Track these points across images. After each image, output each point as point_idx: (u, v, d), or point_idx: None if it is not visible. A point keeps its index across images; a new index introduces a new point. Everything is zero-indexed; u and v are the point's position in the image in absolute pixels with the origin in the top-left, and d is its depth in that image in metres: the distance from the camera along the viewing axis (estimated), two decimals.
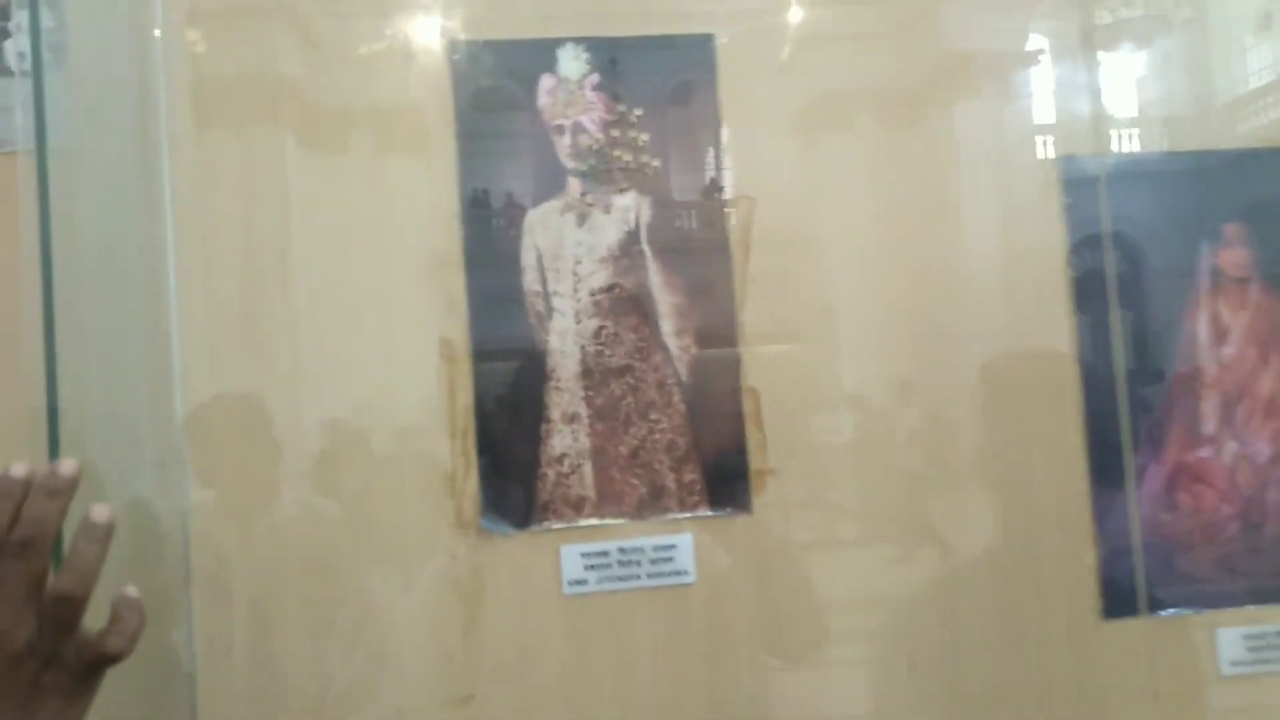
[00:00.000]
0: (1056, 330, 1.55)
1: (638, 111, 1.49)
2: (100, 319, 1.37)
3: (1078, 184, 1.54)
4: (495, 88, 1.49)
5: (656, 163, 1.50)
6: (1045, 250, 1.55)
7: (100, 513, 0.77)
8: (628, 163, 1.49)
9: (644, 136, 1.49)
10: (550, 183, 1.49)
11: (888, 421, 1.55)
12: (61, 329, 1.17)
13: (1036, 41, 1.58)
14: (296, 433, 1.42)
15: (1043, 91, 1.56)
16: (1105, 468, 1.53)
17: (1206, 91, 1.64)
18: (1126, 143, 1.58)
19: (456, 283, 1.45)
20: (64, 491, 0.75)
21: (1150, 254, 1.56)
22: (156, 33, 1.47)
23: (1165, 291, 1.57)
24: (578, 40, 1.49)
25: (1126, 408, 1.53)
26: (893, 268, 1.55)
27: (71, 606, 0.75)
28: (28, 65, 1.51)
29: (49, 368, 1.18)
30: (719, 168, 1.51)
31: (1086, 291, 1.53)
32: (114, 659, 0.77)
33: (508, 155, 1.48)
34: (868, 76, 1.56)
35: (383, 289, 1.45)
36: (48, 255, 1.24)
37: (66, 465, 0.76)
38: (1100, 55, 1.58)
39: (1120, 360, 1.53)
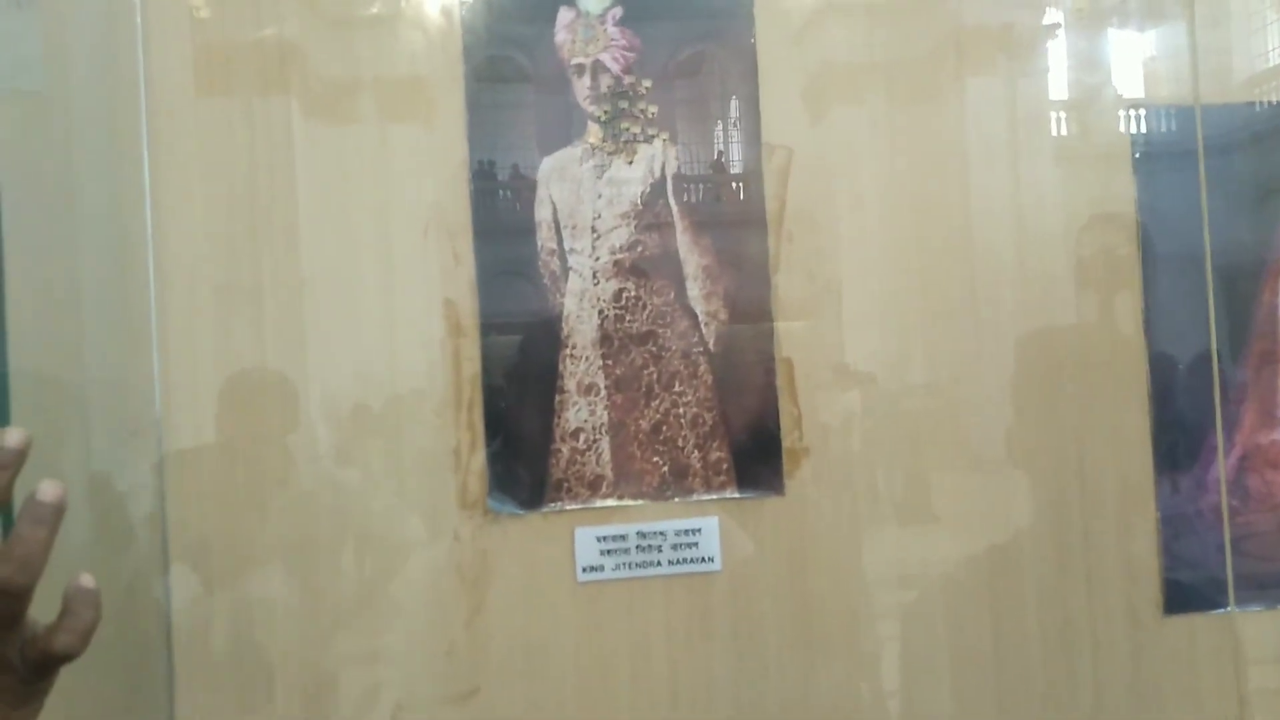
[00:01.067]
0: (1099, 305, 1.43)
1: (647, 83, 1.35)
2: (64, 281, 1.25)
3: (1149, 154, 1.41)
4: (509, 27, 1.34)
5: (665, 136, 1.36)
6: (1065, 226, 1.43)
7: (49, 490, 0.65)
8: (636, 134, 1.35)
9: (652, 108, 1.35)
10: (568, 129, 1.34)
11: (928, 398, 1.42)
12: (13, 286, 1.04)
13: (1052, 16, 1.46)
14: (290, 404, 1.30)
15: (1058, 67, 1.47)
16: (1170, 449, 1.40)
17: (1225, 68, 1.52)
18: (1138, 122, 1.48)
19: (464, 242, 1.32)
20: (9, 465, 0.63)
21: (1222, 228, 1.43)
22: None
23: (1239, 266, 1.43)
24: None
25: (1195, 387, 1.39)
26: (911, 243, 1.41)
27: (13, 598, 0.63)
28: None
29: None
30: (727, 142, 1.37)
31: (1149, 268, 1.40)
32: (64, 659, 0.66)
33: (522, 106, 1.34)
34: (880, 51, 1.43)
35: (388, 255, 1.32)
36: None
37: (12, 436, 0.64)
38: (1116, 30, 1.48)
39: (1190, 339, 1.39)
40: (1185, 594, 1.40)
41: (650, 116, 1.36)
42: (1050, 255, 1.43)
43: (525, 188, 1.33)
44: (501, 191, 1.34)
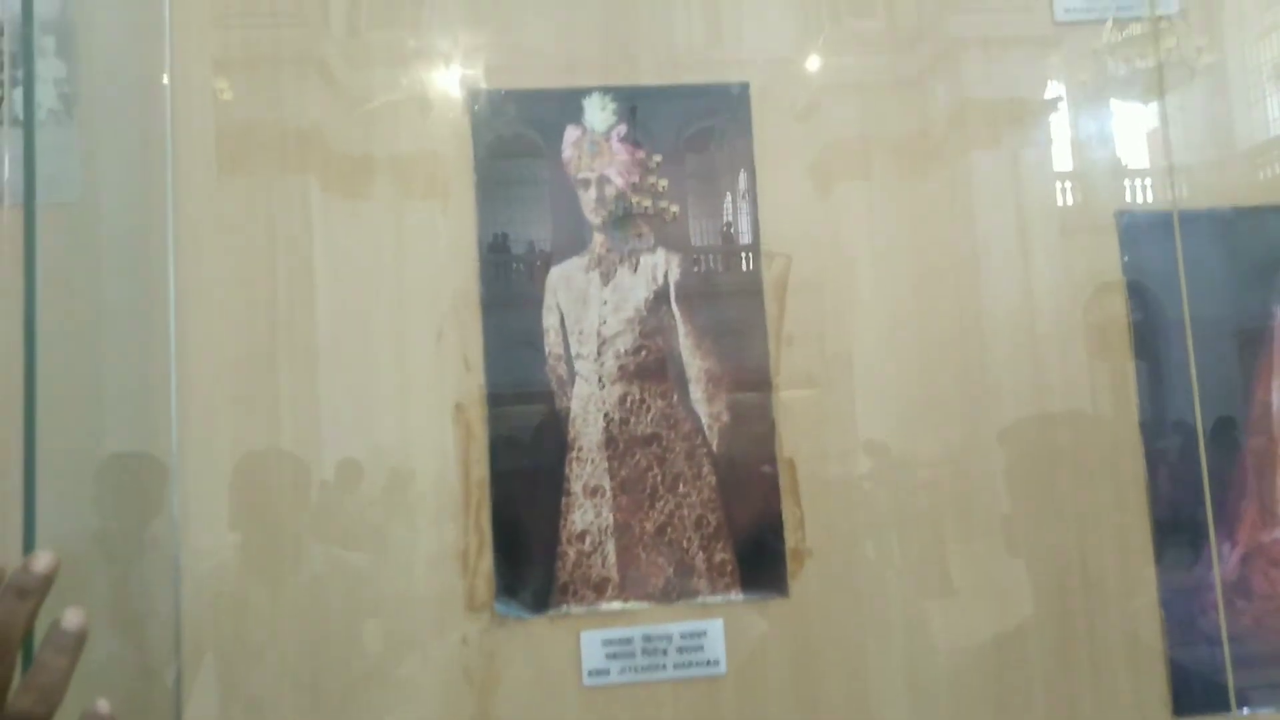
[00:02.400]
0: (1088, 384, 1.45)
1: (657, 157, 1.41)
2: (90, 358, 1.30)
3: (1134, 234, 1.45)
4: (517, 137, 1.41)
5: (675, 208, 1.41)
6: (1068, 298, 1.47)
7: (73, 619, 0.68)
8: (647, 207, 1.40)
9: (663, 182, 1.41)
10: (574, 238, 1.40)
11: (929, 492, 1.43)
12: (43, 371, 1.08)
13: (1054, 90, 1.53)
14: (300, 496, 1.33)
15: (1061, 139, 1.52)
16: (1171, 544, 1.41)
17: (1227, 139, 1.57)
18: (1143, 192, 1.52)
19: (474, 344, 1.36)
20: (36, 591, 0.66)
21: (1212, 309, 1.46)
22: (165, 80, 1.42)
23: (1231, 352, 1.46)
24: (604, 90, 1.41)
25: (1196, 475, 1.41)
26: (917, 318, 1.45)
27: None
28: (39, 114, 1.47)
29: (28, 437, 1.09)
30: (736, 213, 1.43)
31: (1141, 349, 1.43)
32: None
33: (528, 203, 1.40)
34: (886, 124, 1.49)
35: (399, 350, 1.37)
36: (31, 310, 1.18)
37: (41, 561, 0.67)
38: (1118, 104, 1.53)
39: (1196, 422, 1.41)
40: (1194, 694, 1.39)
41: (665, 203, 1.41)
42: (1056, 329, 1.45)
43: (540, 268, 1.38)
44: (514, 271, 1.38)
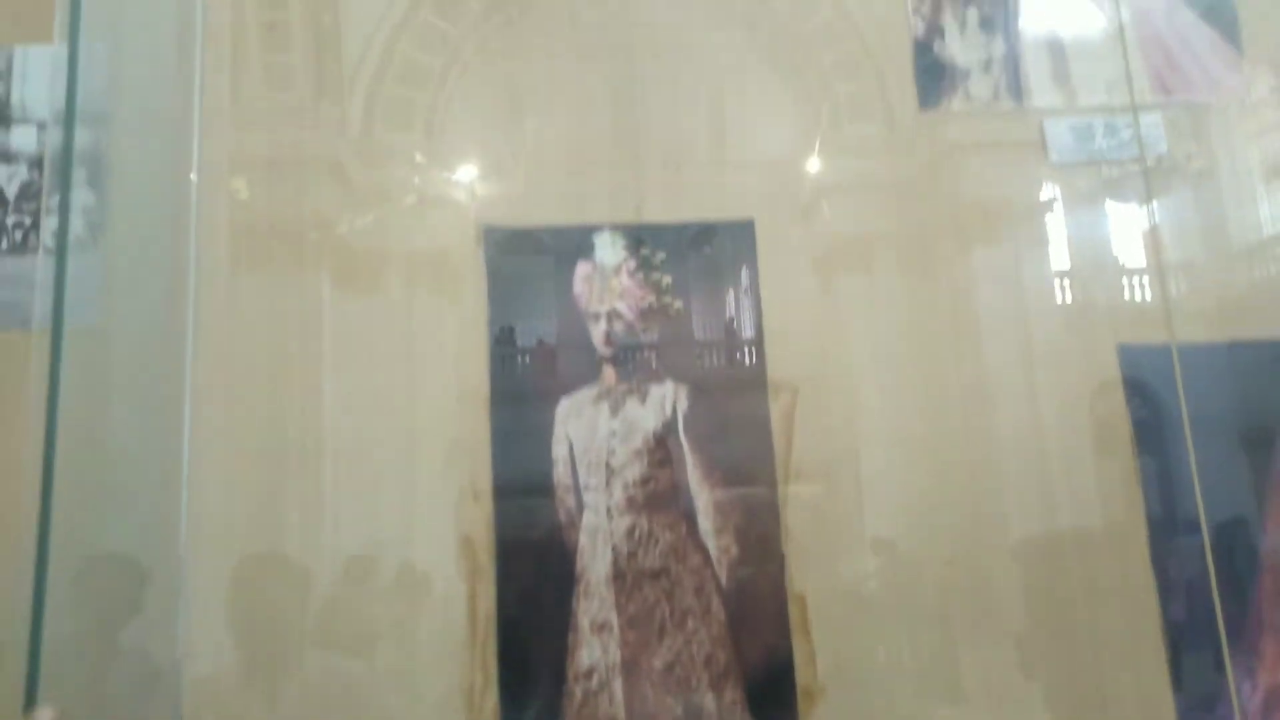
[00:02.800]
0: (1084, 484, 1.45)
1: (667, 279, 1.45)
2: (105, 468, 1.31)
3: (1138, 371, 1.47)
4: (529, 269, 1.45)
5: (679, 304, 1.45)
6: (1072, 395, 1.47)
7: (43, 716, 0.67)
8: (650, 303, 1.43)
9: (667, 279, 1.45)
10: (584, 370, 1.42)
11: (942, 627, 1.41)
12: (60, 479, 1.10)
13: (1049, 191, 1.57)
14: (302, 615, 1.31)
15: (1059, 238, 1.55)
16: (1192, 682, 1.37)
17: (1222, 238, 1.61)
18: (1141, 290, 1.55)
19: (483, 474, 1.37)
20: None
21: (1224, 436, 1.46)
22: (193, 176, 1.46)
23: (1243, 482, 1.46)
24: (615, 227, 1.46)
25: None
26: (913, 413, 1.46)
27: None
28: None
29: (41, 546, 1.09)
30: (739, 309, 1.46)
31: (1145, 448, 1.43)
32: None
33: (538, 338, 1.43)
34: (887, 223, 1.54)
35: (405, 472, 1.39)
36: (52, 431, 1.20)
37: (43, 716, 0.67)
38: (1114, 204, 1.57)
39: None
40: None
41: (669, 299, 1.44)
42: (1060, 425, 1.46)
43: (550, 404, 1.40)
44: (526, 411, 1.40)
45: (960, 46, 1.58)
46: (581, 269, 1.45)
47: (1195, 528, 1.40)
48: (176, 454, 1.34)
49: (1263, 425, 1.49)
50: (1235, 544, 1.43)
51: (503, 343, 1.41)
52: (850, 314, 1.51)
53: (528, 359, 1.42)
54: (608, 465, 1.39)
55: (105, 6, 1.46)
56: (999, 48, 1.59)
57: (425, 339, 1.43)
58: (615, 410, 1.41)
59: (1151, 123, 1.57)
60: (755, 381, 1.44)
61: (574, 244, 1.46)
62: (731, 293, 1.47)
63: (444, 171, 1.49)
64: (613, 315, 1.44)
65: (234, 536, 1.32)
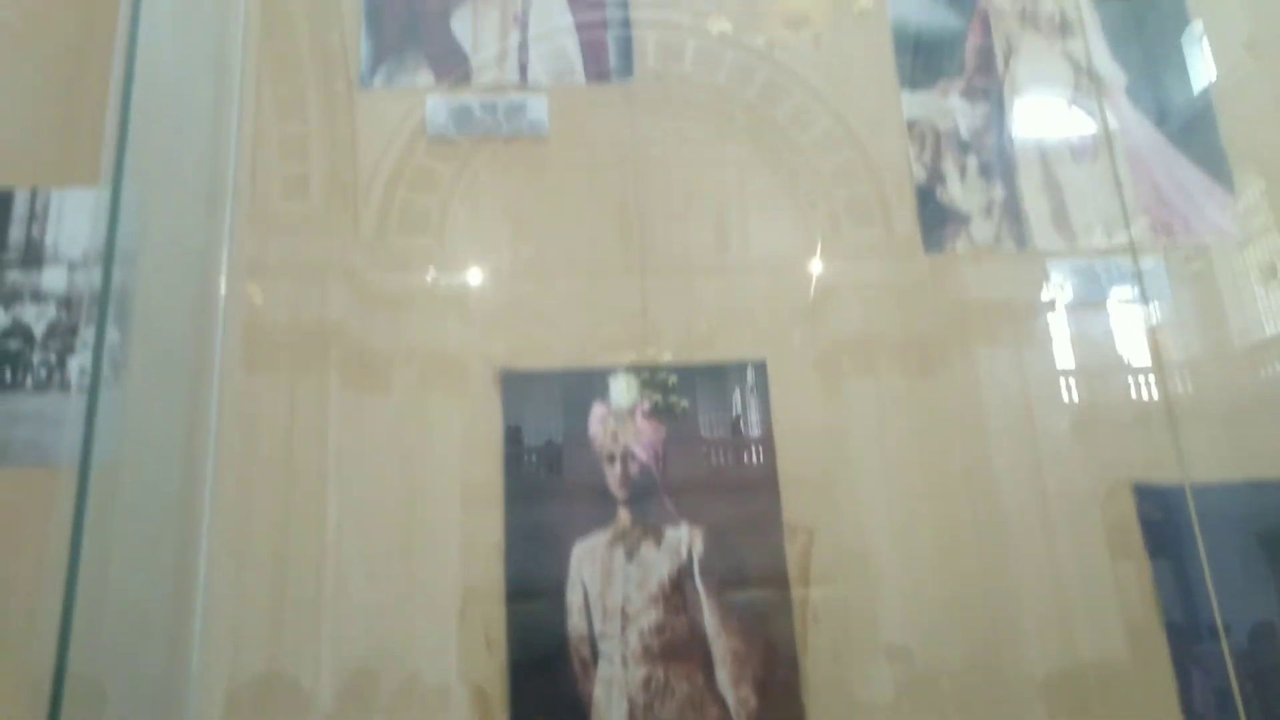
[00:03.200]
0: (1101, 589, 1.42)
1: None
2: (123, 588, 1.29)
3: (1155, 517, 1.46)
4: (544, 413, 1.47)
5: (685, 403, 1.46)
6: (1080, 495, 1.47)
7: None
8: (658, 401, 1.44)
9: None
10: (599, 514, 1.42)
11: (930, 706, 1.37)
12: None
13: (1049, 292, 1.60)
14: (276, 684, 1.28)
15: (1061, 338, 1.57)
16: None
17: (1224, 338, 1.62)
18: (1147, 388, 1.56)
19: (496, 623, 1.35)
20: None
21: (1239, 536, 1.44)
22: (221, 287, 1.49)
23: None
24: (631, 369, 1.49)
25: None
26: (925, 515, 1.46)
27: None
28: (87, 380, 1.54)
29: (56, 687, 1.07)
30: (745, 407, 1.47)
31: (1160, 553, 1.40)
32: None
33: (550, 495, 1.44)
34: (889, 324, 1.56)
35: (415, 628, 1.36)
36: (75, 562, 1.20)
37: None
38: (1116, 304, 1.59)
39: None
40: None
41: (676, 398, 1.44)
42: (1072, 527, 1.44)
43: (564, 554, 1.39)
44: (539, 549, 1.39)
45: (961, 192, 1.64)
46: (597, 410, 1.47)
47: (1216, 633, 1.37)
48: (193, 574, 1.33)
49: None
50: (1259, 649, 1.39)
51: (516, 477, 1.42)
52: (857, 416, 1.52)
53: (542, 500, 1.42)
54: (623, 612, 1.38)
55: (145, 149, 1.52)
56: (999, 193, 1.64)
57: (440, 473, 1.44)
58: (630, 555, 1.41)
59: (1153, 262, 1.62)
60: (771, 519, 1.43)
61: (589, 386, 1.48)
62: (738, 391, 1.49)
63: (453, 277, 1.52)
64: (627, 456, 1.45)
65: (240, 652, 1.31)
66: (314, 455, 1.43)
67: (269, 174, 1.59)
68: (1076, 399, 1.56)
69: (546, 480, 1.43)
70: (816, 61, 1.71)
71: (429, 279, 1.54)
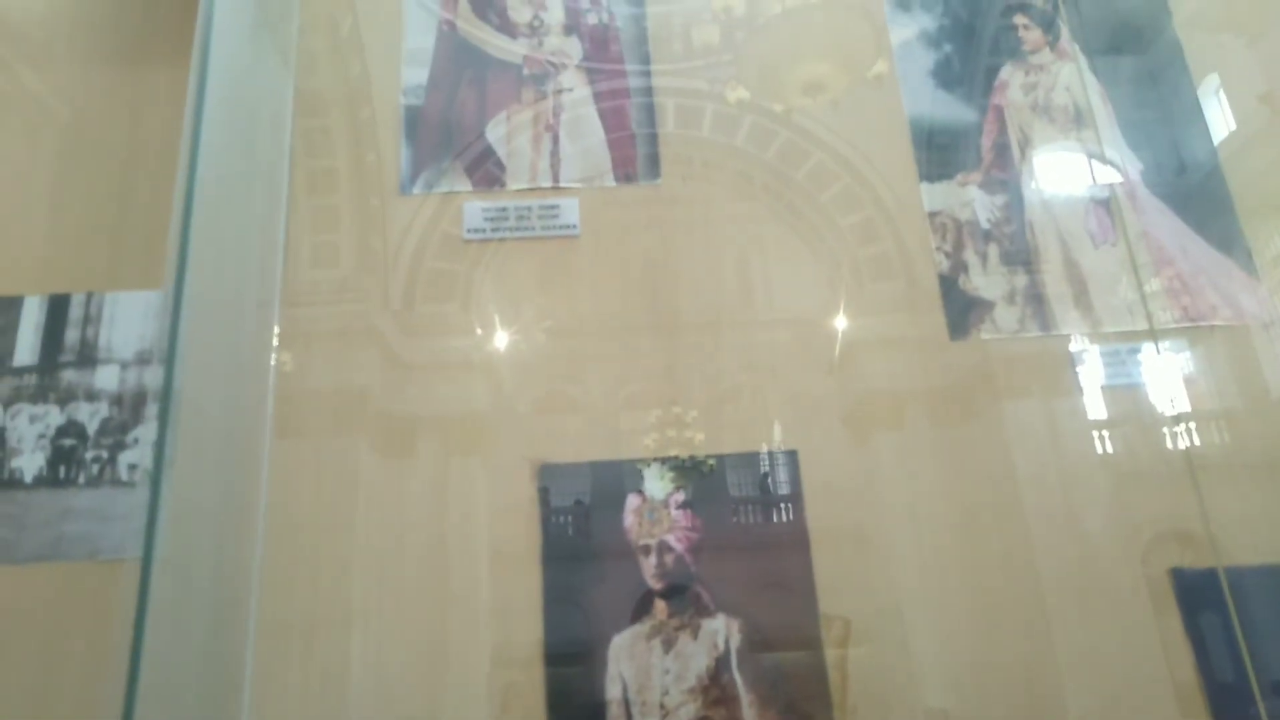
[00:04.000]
0: (1138, 644, 1.42)
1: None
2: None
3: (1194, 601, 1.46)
4: (580, 505, 1.50)
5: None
6: (1114, 552, 1.47)
7: None
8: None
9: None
10: (636, 607, 1.43)
11: None
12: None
13: (1078, 343, 1.62)
14: None
15: (1093, 388, 1.59)
16: None
17: (1259, 388, 1.63)
18: (1185, 438, 1.56)
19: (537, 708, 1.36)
20: None
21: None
22: (272, 362, 1.53)
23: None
24: (663, 460, 1.52)
25: None
26: (959, 571, 1.46)
27: None
28: (138, 476, 1.59)
29: None
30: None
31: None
32: None
33: (588, 586, 1.46)
34: (916, 379, 1.59)
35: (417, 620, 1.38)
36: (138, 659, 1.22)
37: None
38: (1147, 357, 1.61)
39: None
40: None
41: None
42: (1114, 575, 1.44)
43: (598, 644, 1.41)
44: (577, 631, 1.40)
45: (984, 280, 1.68)
46: (631, 501, 1.49)
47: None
48: (240, 659, 1.35)
49: None
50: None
51: (554, 570, 1.44)
52: (886, 470, 1.54)
53: (581, 598, 1.44)
54: (661, 706, 1.38)
55: (202, 256, 1.60)
56: (1021, 280, 1.68)
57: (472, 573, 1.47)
58: (668, 647, 1.41)
59: (1177, 346, 1.64)
60: (808, 612, 1.44)
61: (622, 479, 1.51)
62: (765, 448, 1.51)
63: (480, 343, 1.57)
64: (663, 548, 1.47)
65: None
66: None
67: (299, 244, 1.66)
68: (1111, 450, 1.57)
69: (583, 569, 1.45)
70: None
71: (454, 345, 1.59)
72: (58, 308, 1.63)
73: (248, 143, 1.66)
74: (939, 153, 1.75)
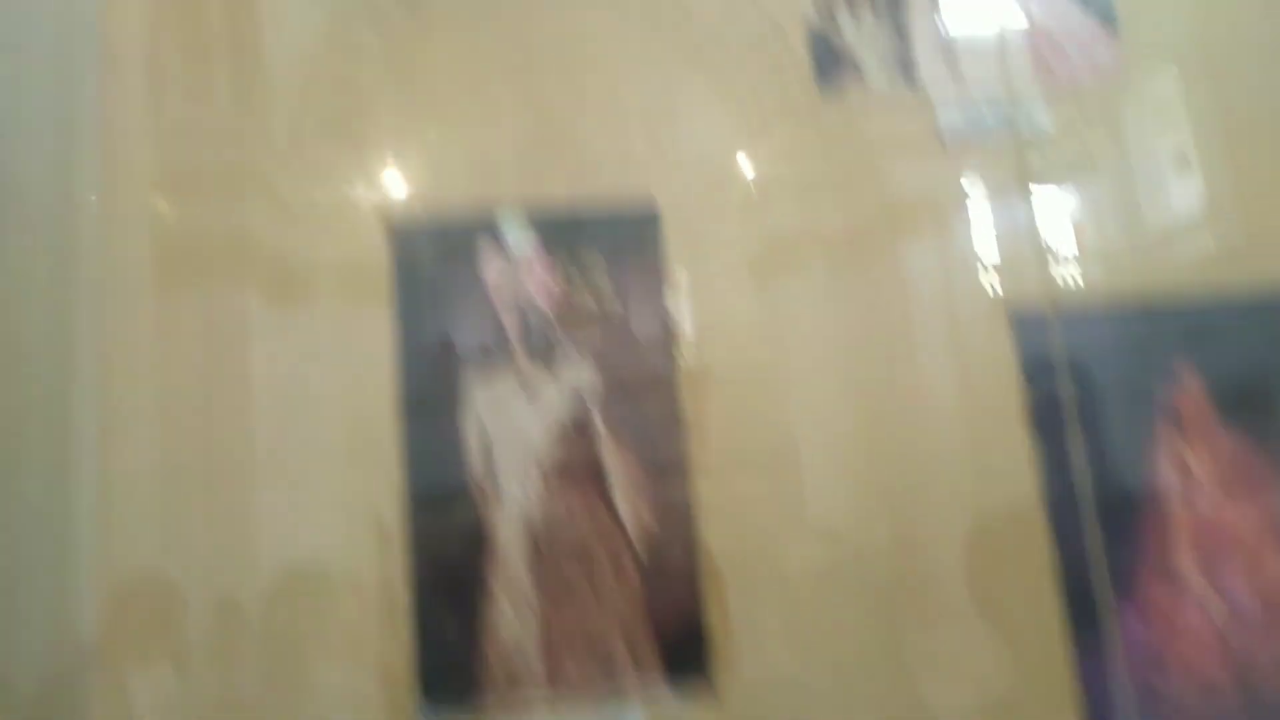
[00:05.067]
0: (1017, 465, 1.51)
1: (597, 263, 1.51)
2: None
3: (1027, 326, 1.55)
4: (440, 262, 1.50)
5: (620, 309, 1.50)
6: (997, 383, 1.54)
7: None
8: (590, 310, 1.49)
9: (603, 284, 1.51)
10: (499, 360, 1.47)
11: (859, 582, 1.49)
12: None
13: (972, 186, 1.65)
14: (209, 601, 1.34)
15: (983, 232, 1.64)
16: (1081, 614, 1.46)
17: (1138, 227, 1.71)
18: (1067, 279, 1.63)
19: (392, 466, 1.40)
20: None
21: (1106, 391, 1.56)
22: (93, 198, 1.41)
23: (1125, 429, 1.56)
24: (522, 213, 1.51)
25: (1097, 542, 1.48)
26: (850, 406, 1.56)
27: None
28: None
29: None
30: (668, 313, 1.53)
31: (1045, 428, 1.52)
32: None
33: (452, 314, 1.48)
34: (815, 222, 1.62)
35: (316, 465, 1.43)
36: None
37: None
38: (1033, 198, 1.64)
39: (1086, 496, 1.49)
40: None
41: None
42: (995, 409, 1.53)
43: (462, 374, 1.45)
44: (437, 382, 1.44)
45: (855, 37, 1.66)
46: (493, 259, 1.49)
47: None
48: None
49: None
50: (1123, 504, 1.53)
51: (414, 339, 1.45)
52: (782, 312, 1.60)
53: (441, 355, 1.46)
54: (524, 452, 1.44)
55: None
56: (891, 40, 1.67)
57: (337, 349, 1.47)
58: (531, 398, 1.46)
59: (1037, 108, 1.67)
60: (672, 362, 1.50)
61: (485, 237, 1.50)
62: (652, 275, 1.53)
63: (364, 178, 1.53)
64: (526, 305, 1.48)
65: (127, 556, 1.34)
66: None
67: (168, 79, 1.54)
68: (1001, 291, 1.62)
69: (446, 334, 1.47)
70: None
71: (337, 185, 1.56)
72: None
73: None
74: None
